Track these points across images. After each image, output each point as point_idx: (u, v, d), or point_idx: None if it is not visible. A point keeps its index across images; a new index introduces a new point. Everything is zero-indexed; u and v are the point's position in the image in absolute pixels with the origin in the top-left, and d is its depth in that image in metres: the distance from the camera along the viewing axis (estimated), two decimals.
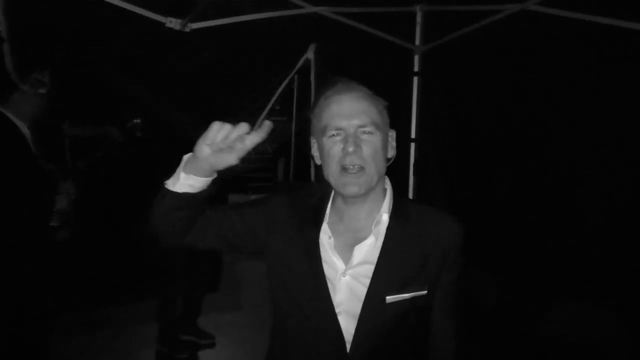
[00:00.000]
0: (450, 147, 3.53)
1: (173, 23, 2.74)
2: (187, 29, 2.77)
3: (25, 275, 2.74)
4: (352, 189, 1.21)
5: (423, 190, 3.65)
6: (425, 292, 1.22)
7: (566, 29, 2.69)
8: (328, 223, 1.30)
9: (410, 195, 3.60)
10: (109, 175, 4.19)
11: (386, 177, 1.32)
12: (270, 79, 3.22)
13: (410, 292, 1.21)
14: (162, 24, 2.72)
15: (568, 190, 2.85)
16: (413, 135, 3.64)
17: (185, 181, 1.21)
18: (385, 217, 1.26)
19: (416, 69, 3.62)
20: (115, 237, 3.73)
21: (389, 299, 1.20)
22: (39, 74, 2.71)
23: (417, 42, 3.56)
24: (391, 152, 1.30)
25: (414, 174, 3.67)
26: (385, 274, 1.22)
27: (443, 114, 3.56)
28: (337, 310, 1.23)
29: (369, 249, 1.24)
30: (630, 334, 2.33)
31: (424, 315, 1.27)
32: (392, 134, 1.31)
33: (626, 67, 2.57)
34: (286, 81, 3.28)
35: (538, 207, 3.00)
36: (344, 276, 1.24)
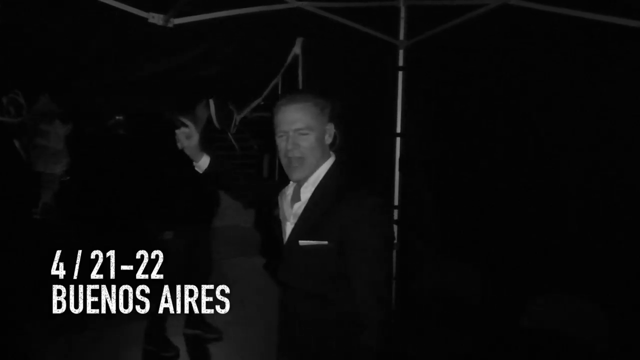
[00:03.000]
0: (436, 141, 3.54)
1: (155, 18, 2.71)
2: (169, 25, 2.74)
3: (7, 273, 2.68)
4: (294, 175, 1.73)
5: (409, 186, 3.65)
6: (326, 242, 1.65)
7: (550, 23, 2.70)
8: (293, 187, 1.81)
9: (396, 192, 3.61)
10: (93, 174, 4.14)
11: (331, 160, 1.76)
12: (258, 75, 3.18)
13: (316, 240, 1.66)
14: (145, 20, 2.69)
15: (553, 184, 2.88)
16: (398, 130, 3.65)
17: (196, 166, 1.96)
18: (309, 187, 1.74)
19: (400, 63, 3.63)
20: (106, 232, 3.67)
21: (302, 242, 1.69)
22: (13, 95, 2.50)
23: (401, 36, 3.56)
24: (329, 140, 1.76)
25: (399, 169, 3.67)
26: (302, 225, 1.72)
27: (428, 108, 3.57)
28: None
29: (298, 207, 1.75)
30: (614, 325, 2.36)
31: (339, 268, 1.64)
32: (329, 126, 1.75)
33: (612, 61, 2.59)
34: (278, 78, 3.24)
35: (523, 201, 3.03)
36: (289, 222, 1.77)
